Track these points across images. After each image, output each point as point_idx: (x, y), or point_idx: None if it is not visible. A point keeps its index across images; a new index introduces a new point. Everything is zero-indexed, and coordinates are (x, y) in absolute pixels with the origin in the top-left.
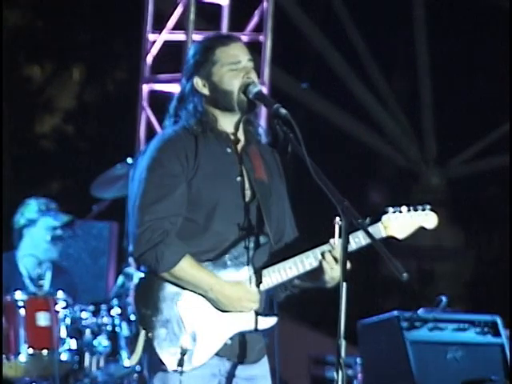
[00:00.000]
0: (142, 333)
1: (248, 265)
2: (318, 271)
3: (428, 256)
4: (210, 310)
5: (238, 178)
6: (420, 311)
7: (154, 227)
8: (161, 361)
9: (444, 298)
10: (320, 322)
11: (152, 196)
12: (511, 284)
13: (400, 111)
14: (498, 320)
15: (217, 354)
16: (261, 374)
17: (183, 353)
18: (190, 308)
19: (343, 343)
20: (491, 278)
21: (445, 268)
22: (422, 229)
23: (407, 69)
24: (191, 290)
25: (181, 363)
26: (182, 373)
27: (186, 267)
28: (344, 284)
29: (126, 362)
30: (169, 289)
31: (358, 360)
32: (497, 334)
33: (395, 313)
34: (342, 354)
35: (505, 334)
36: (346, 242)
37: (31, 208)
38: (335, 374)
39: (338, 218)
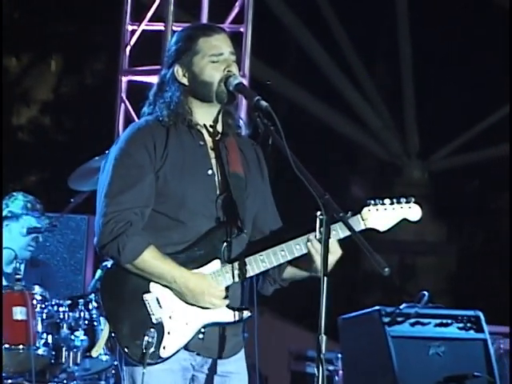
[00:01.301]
0: (107, 325)
1: (219, 258)
2: (302, 262)
3: (410, 250)
4: (178, 302)
5: (210, 171)
6: (402, 306)
7: (117, 219)
8: (126, 354)
9: (426, 293)
10: (301, 317)
11: (117, 187)
12: (511, 281)
13: (382, 104)
14: (481, 315)
15: (187, 349)
16: (236, 370)
17: (147, 346)
18: (157, 300)
19: (324, 338)
20: (474, 272)
21: (427, 262)
22: (405, 221)
23: (390, 62)
24: (157, 282)
25: (145, 356)
26: (146, 366)
27: (149, 259)
28: (325, 279)
29: (93, 353)
30: (135, 281)
31: (339, 355)
32: (479, 329)
33: (377, 308)
34: (323, 349)
35: (487, 330)
36: (328, 236)
37: (17, 203)
38: (316, 369)
39: (319, 212)
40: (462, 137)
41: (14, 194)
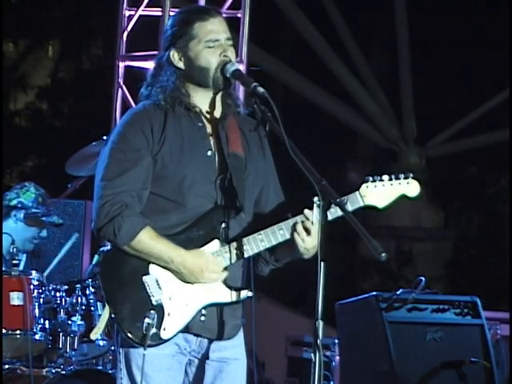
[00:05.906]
0: (107, 308)
1: (218, 238)
2: (292, 243)
3: (407, 236)
4: (178, 283)
5: (209, 152)
6: (399, 292)
7: (113, 201)
8: (127, 336)
9: (423, 279)
10: (298, 302)
11: (114, 170)
12: (511, 269)
13: (380, 90)
14: (478, 301)
15: (187, 331)
16: (234, 356)
17: (148, 328)
18: (156, 282)
19: (321, 324)
20: (470, 258)
21: (424, 248)
22: (404, 197)
23: (387, 47)
24: (156, 263)
25: (145, 338)
26: (147, 348)
27: (145, 239)
28: (322, 264)
29: (92, 336)
30: (134, 263)
31: (336, 341)
32: (476, 314)
33: (374, 293)
34: (320, 335)
35: (484, 315)
36: (324, 222)
37: (29, 195)
38: (313, 355)
39: (316, 198)
40: (459, 123)
41: (27, 184)
